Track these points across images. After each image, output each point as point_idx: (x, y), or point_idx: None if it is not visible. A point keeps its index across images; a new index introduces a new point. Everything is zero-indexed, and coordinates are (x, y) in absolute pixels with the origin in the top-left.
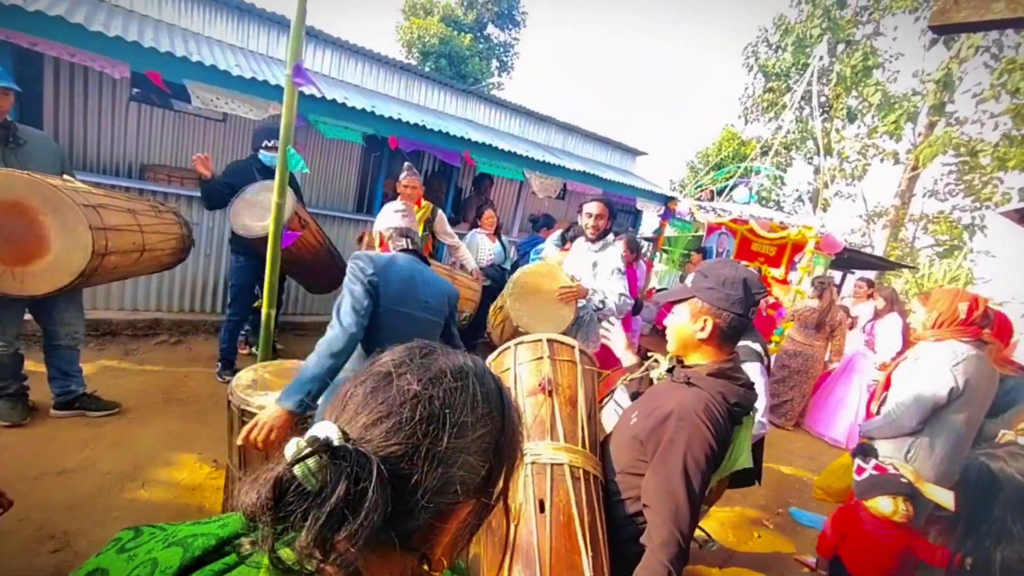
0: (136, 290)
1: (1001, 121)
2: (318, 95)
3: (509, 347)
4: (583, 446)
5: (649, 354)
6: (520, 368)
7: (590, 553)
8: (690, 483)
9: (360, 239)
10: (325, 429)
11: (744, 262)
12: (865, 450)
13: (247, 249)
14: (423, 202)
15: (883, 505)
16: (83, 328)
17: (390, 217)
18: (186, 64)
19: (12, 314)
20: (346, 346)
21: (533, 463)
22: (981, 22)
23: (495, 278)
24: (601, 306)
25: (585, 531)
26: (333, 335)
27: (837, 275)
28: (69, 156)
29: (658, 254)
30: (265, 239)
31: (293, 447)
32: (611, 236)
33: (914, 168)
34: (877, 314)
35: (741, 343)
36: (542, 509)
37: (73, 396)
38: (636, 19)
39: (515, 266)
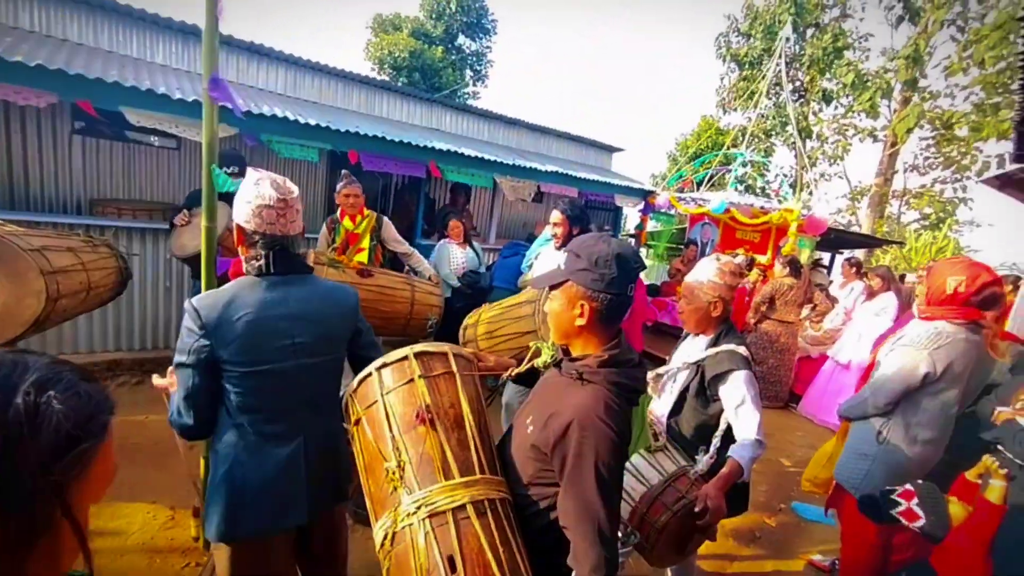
0: (91, 330)
1: (972, 92)
2: (237, 110)
3: (370, 374)
4: (481, 471)
5: (531, 344)
6: (389, 398)
7: None
8: (607, 494)
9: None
10: None
11: (728, 251)
12: (874, 503)
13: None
14: (366, 211)
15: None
16: None
17: (244, 206)
18: (118, 89)
19: None
20: (198, 437)
21: (432, 515)
22: None
23: (471, 284)
24: None
25: (506, 572)
26: (178, 429)
27: (825, 256)
28: (10, 195)
29: (643, 249)
30: (198, 257)
31: None
32: None
33: (892, 144)
34: (872, 293)
35: (724, 347)
36: (453, 568)
37: None
38: (608, 15)
39: (489, 270)
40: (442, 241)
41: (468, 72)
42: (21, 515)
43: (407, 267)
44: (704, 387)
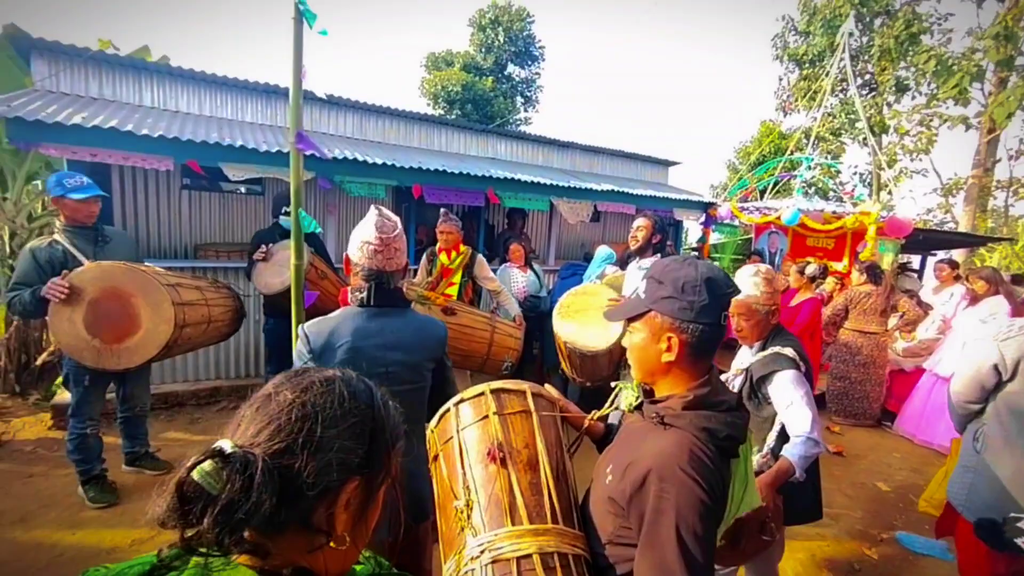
0: (197, 362)
1: None
2: (323, 156)
3: (448, 409)
4: (554, 520)
5: (613, 384)
6: (465, 434)
7: None
8: (690, 559)
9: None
10: (219, 443)
11: (799, 260)
12: (995, 528)
13: (275, 310)
14: (462, 247)
15: None
16: (149, 400)
17: (354, 240)
18: (218, 149)
19: (99, 393)
20: None
21: (495, 562)
22: None
23: (532, 308)
24: None
25: None
26: None
27: (915, 260)
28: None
29: None
30: (285, 293)
31: (191, 460)
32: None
33: (991, 131)
34: (975, 298)
35: (771, 349)
36: None
37: (136, 455)
38: (654, 29)
39: (550, 293)
40: (503, 266)
41: (519, 99)
42: (375, 483)
43: (494, 305)
44: (753, 390)
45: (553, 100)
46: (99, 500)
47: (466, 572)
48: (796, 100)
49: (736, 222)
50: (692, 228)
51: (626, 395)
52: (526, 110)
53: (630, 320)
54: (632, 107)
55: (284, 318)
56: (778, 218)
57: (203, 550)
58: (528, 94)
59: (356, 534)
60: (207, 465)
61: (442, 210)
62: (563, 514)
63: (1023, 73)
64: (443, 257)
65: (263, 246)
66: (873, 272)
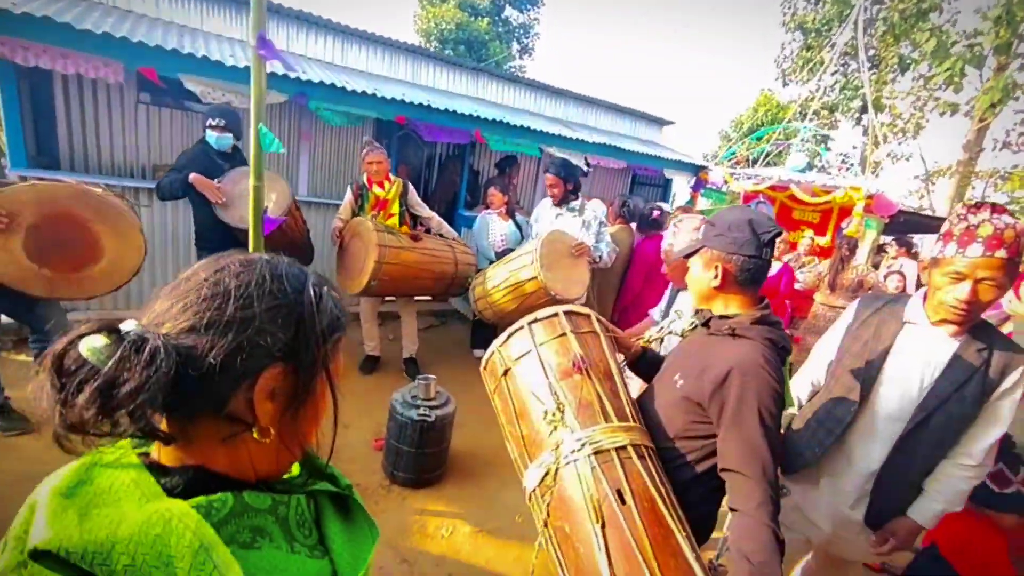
0: (130, 290)
1: None
2: (290, 69)
3: (522, 327)
4: (634, 419)
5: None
6: (543, 349)
7: (684, 532)
8: (771, 436)
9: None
10: (126, 324)
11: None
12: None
13: (218, 241)
14: (392, 177)
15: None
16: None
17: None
18: (177, 57)
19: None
20: None
21: (597, 452)
22: None
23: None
24: (598, 260)
25: (670, 510)
26: None
27: (890, 239)
28: (84, 161)
29: None
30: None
31: (78, 331)
32: (580, 199)
33: (982, 119)
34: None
35: None
36: (623, 500)
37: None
38: None
39: None
40: (484, 212)
41: (514, 44)
42: (304, 375)
43: (431, 230)
44: None
45: (550, 49)
46: (10, 429)
47: (568, 463)
48: (797, 70)
49: (725, 188)
50: (680, 191)
51: (682, 322)
52: (521, 57)
53: (688, 256)
54: (631, 63)
55: (224, 249)
56: (770, 187)
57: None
58: (524, 40)
59: (287, 431)
60: (97, 340)
61: (366, 139)
62: (637, 415)
63: (1016, 63)
64: (376, 189)
65: (216, 181)
66: (852, 249)
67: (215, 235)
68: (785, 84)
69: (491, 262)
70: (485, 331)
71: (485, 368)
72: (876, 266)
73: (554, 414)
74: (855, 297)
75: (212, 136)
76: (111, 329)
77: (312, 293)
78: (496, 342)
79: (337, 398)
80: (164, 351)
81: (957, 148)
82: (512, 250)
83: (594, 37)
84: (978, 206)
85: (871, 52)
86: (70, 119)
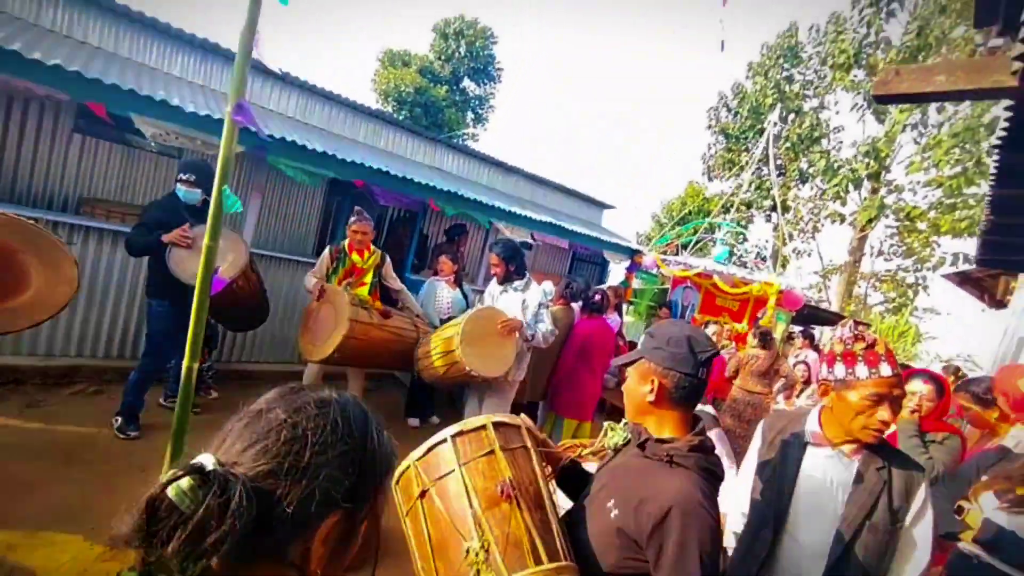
0: (54, 334)
1: (931, 190)
2: (261, 134)
3: (444, 439)
4: (566, 557)
5: (606, 425)
6: (468, 469)
7: None
8: None
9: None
10: (201, 458)
11: (707, 317)
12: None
13: (170, 293)
14: (372, 248)
15: None
16: None
17: None
18: (133, 97)
19: None
20: None
21: None
22: (921, 93)
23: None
24: (531, 338)
25: None
26: None
27: (797, 329)
28: (7, 188)
29: (624, 305)
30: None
31: (169, 474)
32: (526, 278)
33: (862, 229)
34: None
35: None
36: None
37: None
38: (607, 79)
39: None
40: (432, 278)
41: (469, 114)
42: (357, 518)
43: (400, 304)
44: None
45: (501, 122)
46: None
47: None
48: (719, 167)
49: (655, 271)
50: (615, 270)
51: (614, 435)
52: (474, 126)
53: (625, 366)
54: (574, 140)
55: (177, 304)
56: (697, 274)
57: None
58: (479, 111)
59: (329, 571)
60: (184, 482)
61: (356, 208)
62: (569, 550)
63: (889, 187)
64: (355, 256)
65: (186, 227)
66: (764, 338)
67: (167, 287)
68: (710, 179)
69: (435, 328)
70: (420, 398)
71: (398, 483)
72: (785, 355)
73: (477, 554)
74: (772, 383)
75: (181, 190)
76: (196, 470)
77: (375, 439)
78: (413, 455)
79: (380, 539)
80: (247, 497)
81: (844, 248)
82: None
83: (545, 114)
84: (857, 325)
85: (779, 161)
86: None
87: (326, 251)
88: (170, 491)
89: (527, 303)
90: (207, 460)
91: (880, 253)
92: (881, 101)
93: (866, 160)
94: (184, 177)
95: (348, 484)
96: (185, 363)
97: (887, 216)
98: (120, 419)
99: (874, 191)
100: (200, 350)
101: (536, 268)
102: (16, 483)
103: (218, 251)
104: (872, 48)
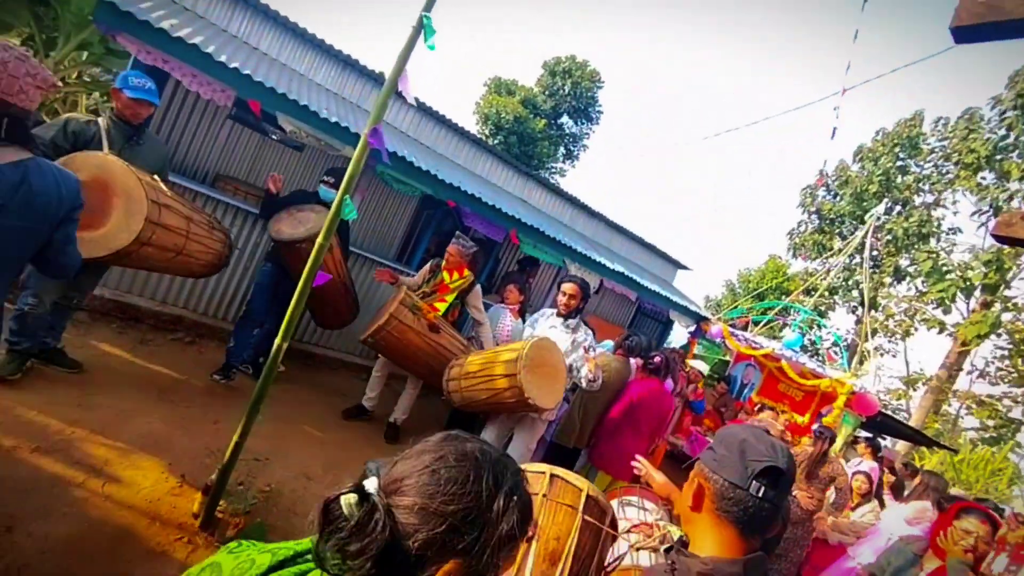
0: (171, 286)
1: None
2: (384, 159)
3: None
4: None
5: (661, 523)
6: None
7: None
8: None
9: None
10: (371, 482)
11: (765, 400)
12: None
13: (274, 258)
14: (465, 272)
15: None
16: (84, 297)
17: None
18: (284, 100)
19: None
20: None
21: None
22: None
23: None
24: (579, 383)
25: None
26: None
27: (863, 435)
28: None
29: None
30: (289, 244)
31: (348, 486)
32: (578, 318)
33: (964, 343)
34: (896, 488)
35: None
36: None
37: (47, 348)
38: (703, 142)
39: None
40: (498, 305)
41: (561, 149)
42: (477, 565)
43: (472, 333)
44: None
45: (591, 159)
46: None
47: None
48: (807, 247)
49: (720, 341)
50: (678, 330)
51: (669, 535)
52: (564, 162)
53: (689, 466)
54: (658, 191)
55: (278, 267)
56: (764, 354)
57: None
58: (572, 148)
59: None
60: (351, 497)
61: (457, 232)
62: None
63: (1006, 303)
64: (446, 275)
65: (277, 175)
66: (820, 434)
67: (275, 253)
68: (795, 256)
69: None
70: (462, 418)
71: None
72: (846, 459)
73: None
74: (826, 490)
75: (323, 189)
76: (359, 490)
77: (502, 504)
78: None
79: None
80: (381, 526)
81: (939, 358)
82: None
83: (633, 165)
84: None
85: (875, 253)
86: (167, 111)
87: (429, 263)
88: (341, 499)
89: (577, 342)
90: (371, 484)
91: (983, 375)
92: (1001, 242)
93: (984, 270)
94: (327, 179)
95: (468, 539)
96: (276, 341)
97: (999, 335)
98: (226, 359)
99: (986, 304)
100: (292, 332)
101: (599, 313)
102: (120, 408)
103: (300, 220)
104: (1009, 152)
